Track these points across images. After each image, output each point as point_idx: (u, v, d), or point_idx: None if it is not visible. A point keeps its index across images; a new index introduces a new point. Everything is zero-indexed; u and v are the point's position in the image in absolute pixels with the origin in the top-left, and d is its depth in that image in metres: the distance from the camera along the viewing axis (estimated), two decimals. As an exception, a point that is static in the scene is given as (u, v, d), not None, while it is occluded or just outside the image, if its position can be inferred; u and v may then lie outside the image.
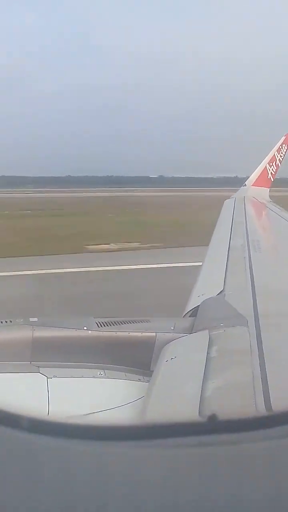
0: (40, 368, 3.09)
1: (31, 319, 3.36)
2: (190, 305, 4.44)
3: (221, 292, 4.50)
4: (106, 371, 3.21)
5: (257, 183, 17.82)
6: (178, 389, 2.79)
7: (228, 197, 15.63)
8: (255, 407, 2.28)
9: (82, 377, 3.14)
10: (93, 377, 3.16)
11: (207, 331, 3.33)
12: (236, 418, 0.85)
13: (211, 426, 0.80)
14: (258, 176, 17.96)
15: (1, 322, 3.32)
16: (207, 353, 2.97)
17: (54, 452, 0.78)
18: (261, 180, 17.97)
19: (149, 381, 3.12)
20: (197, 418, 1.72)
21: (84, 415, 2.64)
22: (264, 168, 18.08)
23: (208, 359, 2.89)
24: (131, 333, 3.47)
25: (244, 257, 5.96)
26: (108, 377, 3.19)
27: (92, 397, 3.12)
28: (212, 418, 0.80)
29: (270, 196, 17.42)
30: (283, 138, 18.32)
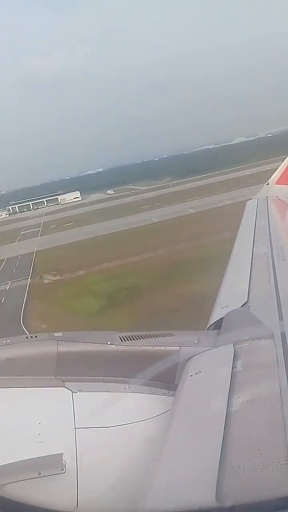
0: (65, 383, 3.26)
1: (55, 334, 3.55)
2: (214, 317, 4.57)
3: (245, 303, 4.61)
4: (130, 385, 3.36)
5: (280, 181, 17.65)
6: (203, 405, 2.93)
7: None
8: (283, 421, 2.40)
9: (106, 391, 3.29)
10: (118, 391, 3.30)
11: (232, 344, 3.46)
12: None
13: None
14: (282, 173, 17.80)
15: (27, 337, 3.51)
16: (233, 367, 3.10)
17: None
18: (285, 178, 17.80)
19: (174, 395, 3.27)
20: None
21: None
22: None
23: (233, 373, 3.02)
24: (154, 347, 3.62)
25: (268, 266, 6.03)
26: (132, 391, 3.33)
27: (117, 411, 3.26)
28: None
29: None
30: None
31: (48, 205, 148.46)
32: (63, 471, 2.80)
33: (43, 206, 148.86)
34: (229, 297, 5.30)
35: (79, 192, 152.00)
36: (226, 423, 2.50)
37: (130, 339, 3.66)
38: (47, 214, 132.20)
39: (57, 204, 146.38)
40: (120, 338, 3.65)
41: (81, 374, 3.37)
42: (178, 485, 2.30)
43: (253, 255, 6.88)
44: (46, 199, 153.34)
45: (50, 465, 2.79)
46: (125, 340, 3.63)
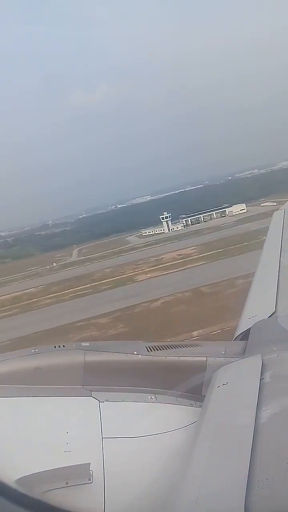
0: (92, 392, 3.29)
1: (83, 344, 3.60)
2: (241, 328, 4.53)
3: (273, 314, 4.56)
4: (157, 395, 3.37)
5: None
6: (231, 417, 2.91)
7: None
8: None
9: (133, 401, 3.31)
10: (145, 401, 3.32)
11: (259, 355, 3.42)
12: None
13: None
14: None
15: (54, 346, 3.58)
16: (261, 378, 3.07)
17: None
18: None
19: (201, 406, 3.26)
20: None
21: None
22: None
23: (261, 385, 2.99)
24: (181, 358, 3.62)
25: None
26: (159, 402, 3.34)
27: (143, 421, 3.27)
28: None
29: None
30: None
31: (214, 217, 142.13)
32: (90, 481, 2.81)
33: (208, 219, 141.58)
34: (257, 307, 5.25)
35: (244, 204, 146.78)
36: (255, 435, 2.47)
37: (157, 349, 3.67)
38: (240, 221, 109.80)
39: (224, 216, 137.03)
40: (147, 348, 3.67)
41: (108, 384, 3.40)
42: (206, 497, 2.28)
43: (281, 265, 6.82)
44: (213, 212, 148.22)
45: (78, 474, 2.81)
46: (151, 350, 3.64)
